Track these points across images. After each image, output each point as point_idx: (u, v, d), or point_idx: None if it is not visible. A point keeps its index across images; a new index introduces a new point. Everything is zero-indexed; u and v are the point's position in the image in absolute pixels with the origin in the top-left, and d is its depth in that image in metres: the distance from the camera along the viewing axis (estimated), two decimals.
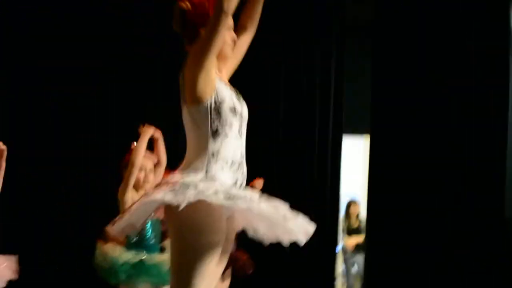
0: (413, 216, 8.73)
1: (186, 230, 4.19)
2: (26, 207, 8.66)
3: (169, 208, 4.21)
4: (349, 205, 12.81)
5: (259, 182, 7.00)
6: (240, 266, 6.99)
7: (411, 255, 8.71)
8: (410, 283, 8.69)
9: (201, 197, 4.08)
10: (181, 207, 4.05)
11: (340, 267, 12.87)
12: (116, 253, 5.70)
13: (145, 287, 5.73)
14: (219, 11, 4.11)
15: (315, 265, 9.27)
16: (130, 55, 8.93)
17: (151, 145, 6.15)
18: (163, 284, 5.80)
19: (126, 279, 5.64)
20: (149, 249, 5.81)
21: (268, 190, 4.82)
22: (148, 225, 5.79)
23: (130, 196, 5.71)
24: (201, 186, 4.14)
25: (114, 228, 4.33)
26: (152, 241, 5.87)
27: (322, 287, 9.28)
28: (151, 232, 5.85)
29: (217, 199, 4.10)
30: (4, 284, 4.04)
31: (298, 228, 4.32)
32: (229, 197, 4.13)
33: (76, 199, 8.58)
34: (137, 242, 5.78)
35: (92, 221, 6.25)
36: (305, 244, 8.33)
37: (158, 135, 6.15)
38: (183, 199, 4.06)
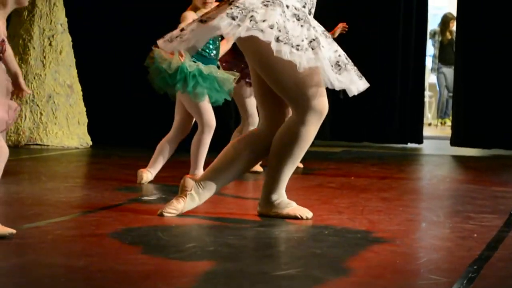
0: (502, 34, 8.74)
1: (266, 66, 4.25)
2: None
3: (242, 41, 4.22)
4: (446, 19, 12.75)
5: (341, 27, 6.84)
6: None
7: (497, 70, 8.78)
8: (494, 96, 8.81)
9: (252, 34, 4.06)
10: (233, 39, 4.10)
11: (430, 77, 13.01)
12: (186, 60, 5.54)
13: (205, 98, 5.61)
14: None
15: (405, 76, 9.45)
16: None
17: None
18: (217, 101, 5.72)
19: (192, 87, 5.52)
20: (208, 62, 5.66)
21: None
22: (211, 39, 5.55)
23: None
24: (259, 15, 4.07)
25: (170, 46, 4.32)
26: (212, 54, 5.69)
27: (414, 97, 9.48)
28: (212, 46, 5.68)
29: (268, 36, 4.05)
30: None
31: (350, 82, 4.26)
32: (279, 37, 4.03)
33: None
34: (200, 55, 5.62)
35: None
36: (395, 53, 8.40)
37: None
38: (234, 33, 4.07)
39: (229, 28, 4.07)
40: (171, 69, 5.55)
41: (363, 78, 4.37)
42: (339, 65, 4.25)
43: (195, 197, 4.41)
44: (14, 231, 3.80)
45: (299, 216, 4.36)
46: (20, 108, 3.94)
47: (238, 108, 6.70)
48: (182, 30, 4.30)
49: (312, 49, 4.15)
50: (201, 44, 4.33)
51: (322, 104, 4.28)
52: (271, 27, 4.08)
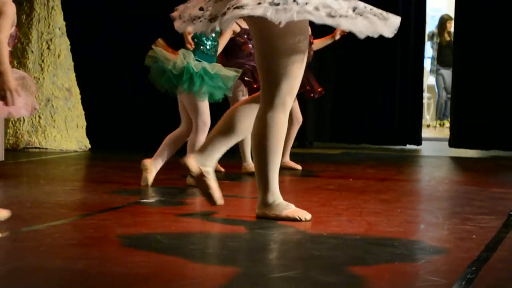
0: (500, 36, 8.75)
1: (274, 34, 4.27)
2: None
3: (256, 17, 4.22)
4: (443, 20, 12.77)
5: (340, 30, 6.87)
6: (308, 90, 7.11)
7: (495, 72, 8.79)
8: (492, 97, 8.82)
9: (303, 17, 4.07)
10: (282, 25, 4.04)
11: (429, 79, 13.02)
12: (191, 60, 5.58)
13: (204, 97, 5.65)
14: None
15: (404, 77, 9.45)
16: None
17: None
18: (219, 98, 5.80)
19: (198, 87, 5.55)
20: (207, 59, 5.72)
21: None
22: (212, 35, 5.63)
23: None
24: None
25: (195, 27, 4.28)
26: (213, 52, 5.76)
27: (412, 98, 9.48)
28: (212, 43, 5.73)
29: (320, 17, 4.07)
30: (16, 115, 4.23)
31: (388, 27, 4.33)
32: (331, 13, 4.09)
33: None
34: (202, 52, 5.67)
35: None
36: (393, 55, 8.42)
37: None
38: (285, 18, 4.03)
39: (277, 16, 4.03)
40: (176, 70, 5.57)
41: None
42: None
43: (208, 170, 4.43)
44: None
45: (298, 218, 4.36)
46: (38, 108, 4.22)
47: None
48: (201, 9, 4.24)
49: (361, 15, 4.18)
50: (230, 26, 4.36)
51: (291, 95, 4.34)
52: (317, 8, 4.09)
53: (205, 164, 4.43)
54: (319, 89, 7.12)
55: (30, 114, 4.17)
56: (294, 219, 4.35)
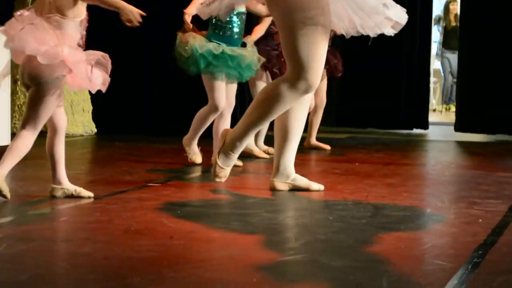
0: (506, 19, 8.72)
1: (287, 7, 4.40)
2: None
3: None
4: (447, 3, 12.72)
5: None
6: (331, 68, 7.14)
7: (501, 56, 8.77)
8: (498, 81, 8.79)
9: None
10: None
11: (435, 63, 12.98)
12: (197, 42, 5.68)
13: (224, 78, 5.76)
14: None
15: (410, 62, 9.43)
16: None
17: None
18: (241, 79, 5.92)
19: (205, 68, 5.67)
20: (231, 42, 5.77)
21: None
22: (233, 18, 5.71)
23: None
24: None
25: (208, 10, 4.58)
26: (235, 35, 5.79)
27: (419, 83, 9.46)
28: (236, 26, 5.79)
29: None
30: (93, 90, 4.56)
31: (397, 16, 4.53)
32: None
33: None
34: (219, 35, 5.74)
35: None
36: (400, 39, 8.40)
37: None
38: None
39: None
40: (187, 52, 5.66)
41: None
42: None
43: (294, 177, 4.76)
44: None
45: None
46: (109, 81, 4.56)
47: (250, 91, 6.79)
48: None
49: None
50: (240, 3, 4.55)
51: (316, 79, 4.42)
52: None
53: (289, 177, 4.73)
54: (340, 68, 7.29)
55: (105, 89, 4.44)
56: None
